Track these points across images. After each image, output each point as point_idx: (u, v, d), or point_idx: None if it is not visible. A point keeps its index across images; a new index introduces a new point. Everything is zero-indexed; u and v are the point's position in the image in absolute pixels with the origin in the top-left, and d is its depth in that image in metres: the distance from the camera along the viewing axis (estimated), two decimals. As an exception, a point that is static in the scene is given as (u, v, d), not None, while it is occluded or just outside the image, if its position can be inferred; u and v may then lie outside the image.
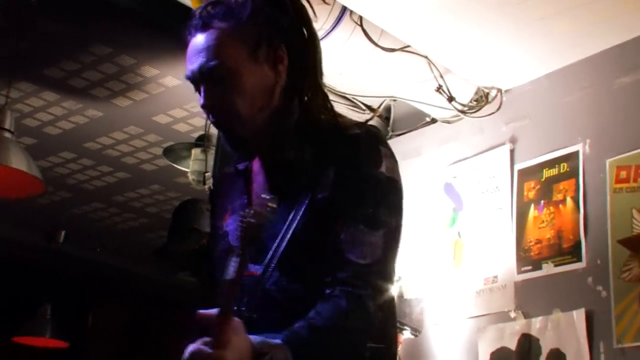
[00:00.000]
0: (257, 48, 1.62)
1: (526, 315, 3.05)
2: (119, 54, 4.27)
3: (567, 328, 2.90)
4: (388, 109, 3.77)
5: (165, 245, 3.71)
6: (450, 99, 3.31)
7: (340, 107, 3.42)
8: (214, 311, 1.41)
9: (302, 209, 1.56)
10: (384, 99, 3.64)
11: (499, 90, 3.38)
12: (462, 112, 3.40)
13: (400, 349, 3.29)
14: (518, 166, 3.26)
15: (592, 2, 2.83)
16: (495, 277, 3.19)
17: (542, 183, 3.15)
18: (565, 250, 3.01)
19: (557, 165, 3.12)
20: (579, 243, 2.97)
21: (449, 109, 3.39)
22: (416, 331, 3.29)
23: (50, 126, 5.07)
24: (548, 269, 3.04)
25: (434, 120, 3.61)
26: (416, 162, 3.62)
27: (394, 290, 1.67)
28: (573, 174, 3.06)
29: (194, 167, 4.07)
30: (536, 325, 3.00)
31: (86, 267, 7.15)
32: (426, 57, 3.21)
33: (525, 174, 3.22)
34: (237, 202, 1.72)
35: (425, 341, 3.34)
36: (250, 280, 1.59)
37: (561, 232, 3.04)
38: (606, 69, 3.10)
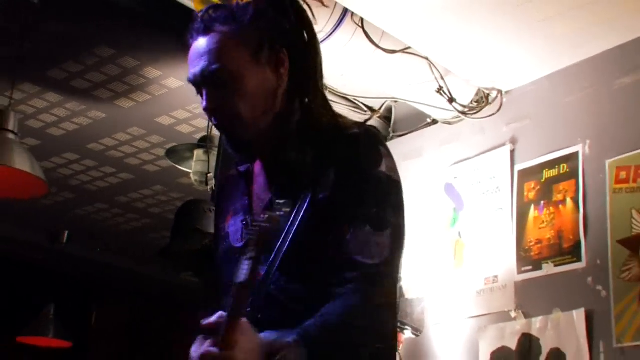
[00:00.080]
0: (259, 51, 1.63)
1: (526, 315, 3.06)
2: (122, 55, 4.27)
3: (567, 328, 2.91)
4: (389, 110, 3.78)
5: (168, 245, 3.72)
6: (451, 100, 3.32)
7: (342, 108, 3.44)
8: (222, 314, 1.43)
9: (304, 209, 1.56)
10: (385, 100, 3.66)
11: (499, 92, 3.39)
12: (463, 113, 3.40)
13: (401, 348, 3.30)
14: (518, 167, 3.27)
15: (593, 4, 2.84)
16: (496, 277, 3.20)
17: (542, 183, 3.16)
18: (565, 250, 3.02)
19: (557, 166, 3.13)
20: (578, 243, 2.98)
21: (450, 110, 3.40)
22: (417, 331, 3.29)
23: (53, 127, 5.08)
24: (548, 269, 3.05)
25: (434, 121, 3.62)
26: (417, 163, 3.63)
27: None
28: (573, 174, 3.07)
29: (197, 168, 4.08)
30: (536, 324, 3.01)
31: (89, 268, 7.15)
32: (427, 59, 3.22)
33: (526, 175, 3.23)
34: (238, 204, 1.73)
35: (426, 341, 3.34)
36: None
37: (561, 233, 3.05)
38: (606, 69, 3.11)
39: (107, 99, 4.71)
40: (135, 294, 7.52)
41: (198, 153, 4.12)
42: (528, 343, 3.01)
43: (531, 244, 3.13)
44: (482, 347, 3.16)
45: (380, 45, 3.10)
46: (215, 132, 3.27)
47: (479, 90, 3.40)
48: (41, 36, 4.05)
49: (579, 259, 2.97)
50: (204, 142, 3.99)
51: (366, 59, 3.15)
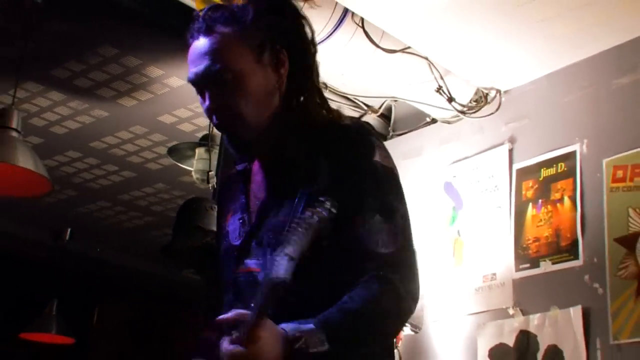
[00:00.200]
0: (262, 52, 1.65)
1: (524, 312, 3.07)
2: (124, 54, 4.29)
3: (565, 325, 2.92)
4: (389, 109, 3.79)
5: (170, 243, 3.74)
6: (450, 99, 3.33)
7: (342, 108, 3.46)
8: (239, 311, 1.43)
9: (302, 205, 1.58)
10: (385, 99, 3.67)
11: (498, 91, 3.40)
12: (462, 112, 3.42)
13: (400, 345, 3.32)
14: (517, 165, 3.27)
15: (592, 4, 2.85)
16: (494, 274, 3.21)
17: (540, 182, 3.17)
18: (562, 248, 3.03)
19: (555, 165, 3.15)
20: (576, 241, 2.99)
21: (449, 110, 3.41)
22: (416, 328, 3.28)
23: (56, 126, 5.10)
24: (546, 266, 3.06)
25: (434, 121, 3.63)
26: (417, 162, 3.64)
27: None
28: (570, 173, 3.08)
29: (198, 166, 4.10)
30: (534, 322, 3.02)
31: (92, 265, 7.16)
32: (426, 59, 3.23)
33: (524, 174, 3.24)
34: (237, 203, 1.75)
35: (425, 337, 3.35)
36: (249, 277, 1.64)
37: (559, 231, 3.06)
38: (605, 69, 3.12)
39: (110, 98, 4.74)
40: (138, 291, 7.54)
41: (200, 151, 4.14)
42: (526, 340, 3.03)
43: (529, 242, 3.14)
44: (480, 343, 3.17)
45: (380, 45, 3.11)
46: (217, 131, 3.29)
47: (478, 89, 3.41)
48: (44, 35, 4.07)
49: (576, 257, 2.98)
50: (206, 141, 4.02)
51: (366, 58, 3.16)
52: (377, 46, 3.11)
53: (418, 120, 3.70)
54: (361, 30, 3.06)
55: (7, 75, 4.14)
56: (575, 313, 2.90)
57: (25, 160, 3.54)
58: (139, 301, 7.67)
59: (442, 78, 3.29)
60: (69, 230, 6.64)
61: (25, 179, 3.67)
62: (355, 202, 1.58)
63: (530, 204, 3.19)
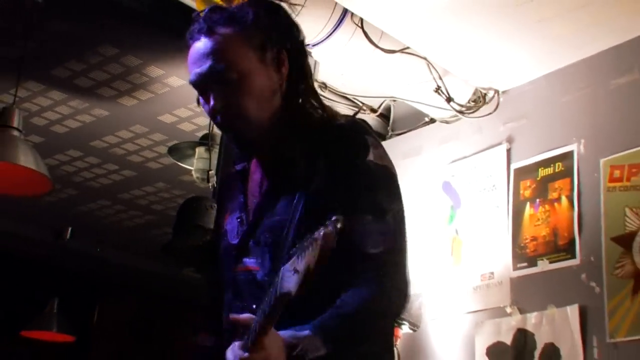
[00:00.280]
0: (264, 51, 1.67)
1: (522, 311, 3.08)
2: (124, 54, 4.31)
3: (562, 323, 2.93)
4: (388, 109, 3.80)
5: (170, 241, 3.75)
6: (449, 99, 3.34)
7: (342, 107, 3.47)
8: (251, 316, 1.45)
9: (301, 204, 1.60)
10: (384, 99, 3.68)
11: (497, 91, 3.41)
12: (461, 112, 3.43)
13: (398, 343, 3.33)
14: (514, 165, 3.29)
15: (589, 5, 2.86)
16: (492, 273, 3.22)
17: (537, 182, 3.19)
18: (560, 247, 3.04)
19: (552, 165, 3.16)
20: (573, 240, 3.01)
21: (448, 110, 3.42)
22: (414, 326, 3.29)
23: (57, 125, 5.12)
24: (543, 265, 3.07)
25: (432, 120, 3.64)
26: (415, 161, 3.65)
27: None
28: (568, 173, 3.09)
29: (198, 165, 4.12)
30: (531, 320, 3.03)
31: (92, 264, 7.18)
32: (425, 59, 3.24)
33: (522, 173, 3.25)
34: (235, 202, 1.77)
35: (423, 336, 3.36)
36: (247, 275, 1.66)
37: (556, 230, 3.07)
38: (603, 70, 3.13)
39: (110, 97, 4.76)
40: (138, 290, 7.55)
41: (200, 151, 4.15)
42: (523, 338, 3.04)
43: (527, 241, 3.15)
44: (478, 342, 3.18)
45: (380, 45, 3.12)
46: (217, 130, 3.31)
47: (476, 89, 3.42)
48: (45, 35, 4.09)
49: (574, 256, 2.99)
50: (206, 140, 4.02)
51: (365, 58, 3.17)
52: (376, 46, 3.12)
53: (417, 120, 3.71)
54: (360, 30, 3.07)
55: (8, 74, 4.17)
56: (573, 311, 2.92)
57: (26, 159, 3.56)
58: (139, 300, 7.68)
59: (440, 78, 3.30)
60: (69, 229, 6.66)
61: (26, 177, 3.68)
62: (347, 202, 1.59)
63: (528, 204, 3.20)
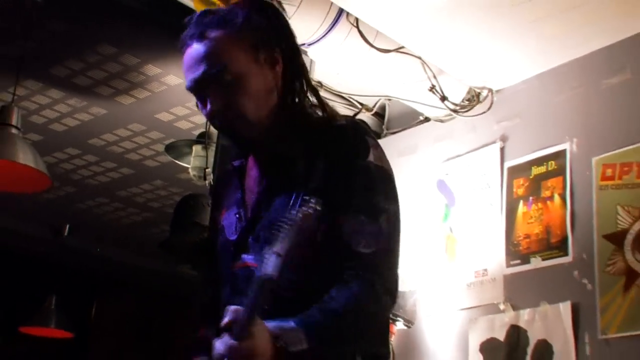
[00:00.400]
0: (257, 51, 1.68)
1: (515, 307, 3.09)
2: (122, 53, 4.32)
3: (554, 320, 2.95)
4: (383, 108, 3.82)
5: (167, 238, 3.77)
6: (443, 98, 3.35)
7: (337, 106, 3.49)
8: (236, 308, 1.44)
9: (299, 201, 1.58)
10: (379, 98, 3.69)
11: (490, 90, 3.43)
12: (455, 111, 3.44)
13: (393, 339, 3.33)
14: (508, 164, 3.30)
15: (582, 6, 2.88)
16: (486, 270, 3.23)
17: (531, 180, 3.20)
18: (552, 244, 3.06)
19: (545, 163, 3.17)
20: (565, 238, 3.02)
21: (442, 108, 3.43)
22: (409, 322, 3.31)
23: (56, 123, 5.13)
24: (536, 262, 3.09)
25: (427, 119, 3.65)
26: (410, 160, 3.66)
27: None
28: (561, 171, 3.11)
29: (195, 163, 4.13)
30: (524, 316, 3.05)
31: (90, 260, 7.18)
32: (420, 58, 3.25)
33: (515, 171, 3.27)
34: (232, 198, 1.78)
35: (418, 332, 3.38)
36: (246, 271, 1.66)
37: (549, 228, 3.09)
38: (595, 70, 3.14)
39: (108, 96, 4.77)
40: (136, 287, 7.54)
41: (197, 149, 4.17)
42: (516, 334, 3.05)
43: (520, 238, 3.17)
44: (471, 338, 3.20)
45: (375, 44, 3.13)
46: (213, 129, 3.32)
47: (470, 89, 3.44)
48: (44, 34, 4.10)
49: (566, 253, 3.01)
50: (203, 138, 4.02)
51: (361, 58, 3.18)
52: (372, 46, 3.13)
53: (412, 119, 3.73)
54: (356, 30, 3.08)
55: (7, 73, 4.16)
56: (565, 308, 2.93)
57: (25, 156, 3.57)
58: (137, 296, 7.67)
59: (435, 77, 3.31)
60: (67, 226, 6.66)
61: (25, 175, 3.69)
62: (344, 201, 1.61)
63: (521, 202, 3.21)
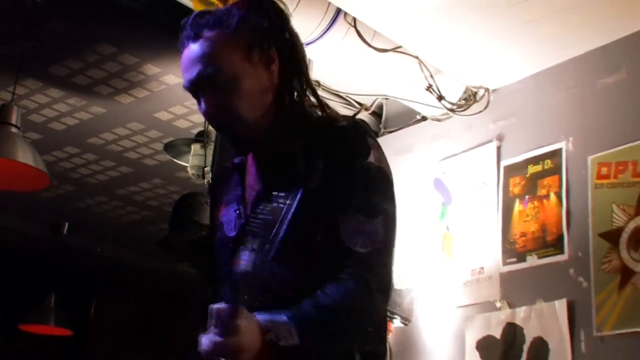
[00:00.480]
0: (251, 51, 1.68)
1: (511, 305, 3.10)
2: (122, 52, 4.33)
3: (550, 317, 2.96)
4: (380, 107, 3.82)
5: (166, 237, 3.78)
6: (440, 97, 3.36)
7: (335, 105, 3.50)
8: (221, 305, 1.44)
9: (297, 200, 1.62)
10: (377, 97, 3.70)
11: (487, 90, 3.43)
12: (452, 110, 3.45)
13: (390, 337, 3.35)
14: (504, 162, 3.31)
15: (578, 6, 2.89)
16: (482, 268, 3.24)
17: (527, 179, 3.21)
18: (548, 243, 3.07)
19: (541, 162, 3.18)
20: (561, 236, 3.03)
21: (439, 108, 3.44)
22: (406, 320, 3.32)
23: (55, 122, 5.14)
24: (532, 260, 3.09)
25: (424, 118, 3.66)
26: (407, 159, 3.67)
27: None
28: (557, 170, 3.12)
29: (194, 162, 4.14)
30: (520, 314, 3.06)
31: (89, 259, 7.19)
32: (417, 58, 3.26)
33: (511, 170, 3.28)
34: (232, 194, 1.79)
35: (415, 330, 3.38)
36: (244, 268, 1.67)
37: (545, 226, 3.10)
38: (590, 69, 3.15)
39: (107, 95, 4.78)
40: (135, 285, 7.55)
41: (195, 147, 4.18)
42: (512, 332, 3.06)
43: (516, 236, 3.18)
44: (468, 335, 3.21)
45: (372, 44, 3.13)
46: (212, 128, 3.34)
47: (467, 88, 3.44)
48: (44, 34, 4.11)
49: (562, 252, 3.01)
50: (201, 137, 4.03)
51: (358, 57, 3.19)
52: (369, 45, 3.13)
53: (409, 118, 3.73)
54: (353, 29, 3.09)
55: (7, 72, 4.18)
56: (560, 306, 2.94)
57: (24, 155, 3.58)
58: (136, 295, 7.68)
59: (432, 77, 3.32)
60: (67, 224, 6.67)
61: (24, 174, 3.71)
62: (343, 201, 1.62)
63: (518, 200, 3.22)
